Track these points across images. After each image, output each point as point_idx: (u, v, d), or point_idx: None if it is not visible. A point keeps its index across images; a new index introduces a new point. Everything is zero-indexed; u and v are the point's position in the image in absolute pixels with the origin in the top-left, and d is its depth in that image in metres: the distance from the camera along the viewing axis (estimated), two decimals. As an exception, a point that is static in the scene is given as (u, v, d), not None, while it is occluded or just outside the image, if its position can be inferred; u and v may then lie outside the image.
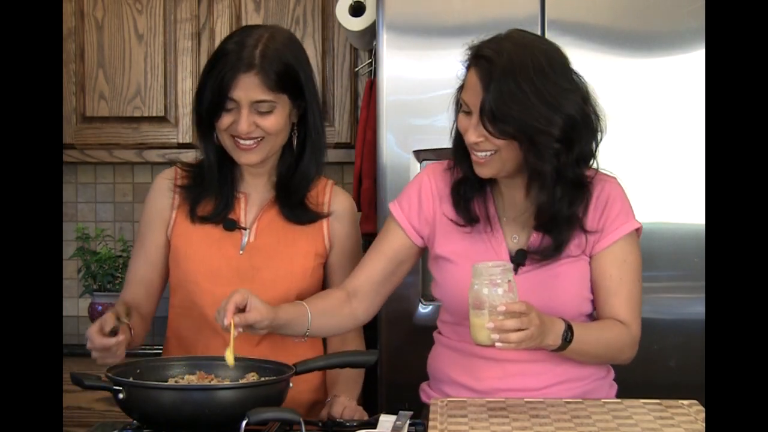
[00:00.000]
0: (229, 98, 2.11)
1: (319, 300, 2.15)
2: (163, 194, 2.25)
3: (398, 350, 2.94)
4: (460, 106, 2.06)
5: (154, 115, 3.56)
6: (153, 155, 3.58)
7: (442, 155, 2.93)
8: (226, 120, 2.13)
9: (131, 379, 1.88)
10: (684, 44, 2.87)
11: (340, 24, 3.29)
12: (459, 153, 2.10)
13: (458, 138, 2.09)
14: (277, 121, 2.14)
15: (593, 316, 2.15)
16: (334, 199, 2.26)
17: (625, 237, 2.10)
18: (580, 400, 2.05)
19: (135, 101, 3.56)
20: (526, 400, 2.03)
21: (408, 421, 1.89)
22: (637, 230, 2.13)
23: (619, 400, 2.05)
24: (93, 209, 3.91)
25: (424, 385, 2.27)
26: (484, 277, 1.89)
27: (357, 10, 3.23)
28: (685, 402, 2.03)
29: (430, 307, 2.95)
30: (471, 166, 2.07)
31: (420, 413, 2.09)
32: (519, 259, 2.09)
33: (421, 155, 2.94)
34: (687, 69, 2.85)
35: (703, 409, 1.96)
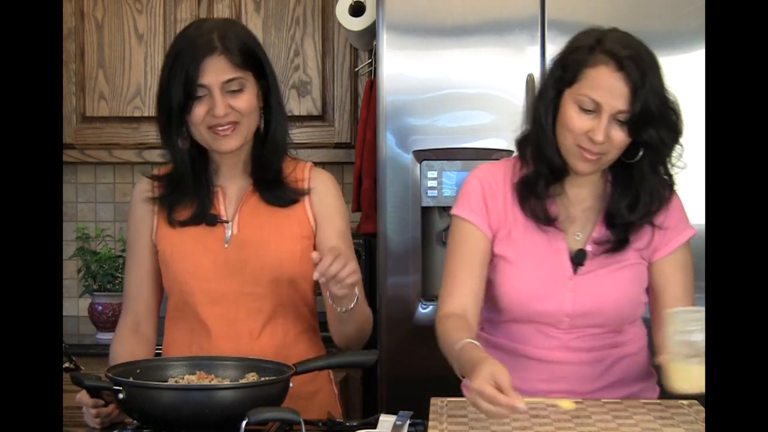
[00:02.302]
0: (198, 85, 2.11)
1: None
2: (143, 202, 2.24)
3: (398, 350, 2.94)
4: (553, 99, 2.03)
5: (154, 115, 3.55)
6: (153, 155, 3.58)
7: (442, 155, 2.95)
8: (199, 111, 2.12)
9: (131, 379, 1.88)
10: (684, 44, 2.87)
11: (340, 24, 3.30)
12: (543, 148, 2.05)
13: (541, 134, 2.05)
14: (249, 99, 2.14)
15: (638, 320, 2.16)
16: (314, 177, 2.24)
17: (686, 242, 2.11)
18: (580, 399, 2.05)
19: (135, 101, 3.56)
20: (525, 400, 2.02)
21: (408, 421, 1.89)
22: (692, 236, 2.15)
23: (619, 400, 2.05)
24: (93, 209, 3.91)
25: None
26: (694, 323, 1.85)
27: (357, 10, 3.23)
28: (685, 402, 2.03)
29: (430, 307, 2.95)
30: (550, 163, 2.04)
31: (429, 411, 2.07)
32: (579, 259, 2.08)
33: (421, 155, 2.94)
34: (687, 69, 2.85)
35: (703, 409, 1.96)
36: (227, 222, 2.19)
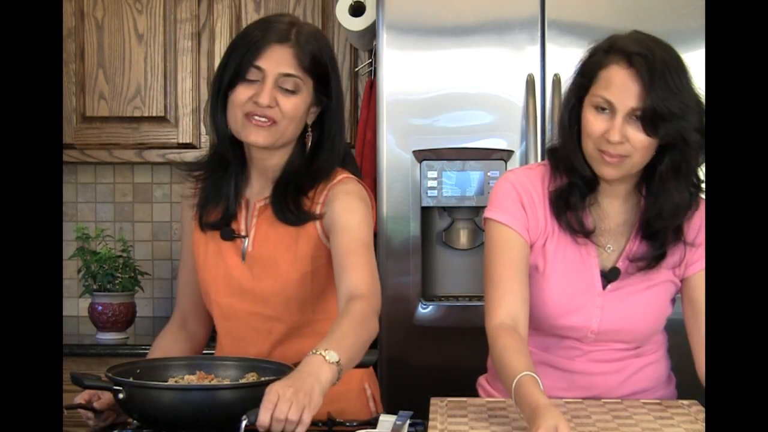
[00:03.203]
0: (254, 66, 2.02)
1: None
2: (188, 202, 2.20)
3: (398, 350, 2.94)
4: (575, 106, 2.00)
5: (154, 115, 3.56)
6: (153, 155, 3.58)
7: (441, 155, 2.95)
8: (244, 93, 2.03)
9: (131, 379, 1.88)
10: (684, 44, 2.85)
11: (340, 24, 3.30)
12: (572, 159, 2.01)
13: (569, 143, 2.01)
14: (297, 104, 2.04)
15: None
16: (330, 199, 2.08)
17: None
18: (580, 399, 2.05)
19: (135, 101, 3.56)
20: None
21: (408, 421, 1.89)
22: None
23: (619, 400, 2.05)
24: (93, 209, 3.91)
25: (481, 380, 2.23)
26: None
27: (357, 10, 3.24)
28: (685, 402, 2.03)
29: (430, 307, 2.95)
30: (583, 173, 2.00)
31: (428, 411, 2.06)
32: (612, 277, 2.05)
33: (421, 155, 2.94)
34: (687, 69, 2.85)
35: (703, 409, 1.96)
36: (245, 237, 2.13)
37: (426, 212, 3.00)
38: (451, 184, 2.94)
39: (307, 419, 1.68)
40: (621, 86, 1.93)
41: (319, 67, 2.07)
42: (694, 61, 2.85)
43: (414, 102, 2.93)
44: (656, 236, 2.03)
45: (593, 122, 1.96)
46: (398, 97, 2.93)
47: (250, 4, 3.53)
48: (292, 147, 2.12)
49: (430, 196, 2.94)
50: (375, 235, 2.95)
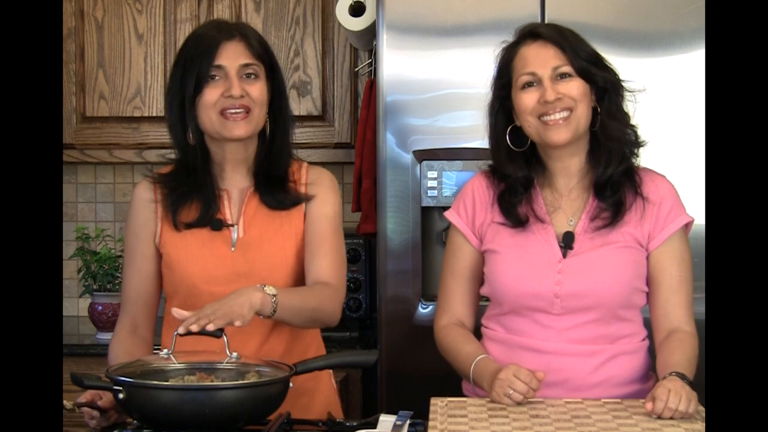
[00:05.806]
0: (215, 66, 2.15)
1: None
2: (145, 206, 2.24)
3: (398, 350, 2.94)
4: (500, 103, 2.19)
5: (154, 115, 3.56)
6: (153, 155, 3.58)
7: (442, 155, 2.95)
8: (213, 93, 2.15)
9: (131, 379, 1.88)
10: (684, 44, 2.87)
11: (340, 24, 3.30)
12: (504, 156, 2.18)
13: (500, 141, 2.18)
14: (262, 88, 2.18)
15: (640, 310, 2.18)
16: (312, 181, 2.25)
17: (681, 230, 2.14)
18: (580, 400, 2.05)
19: (135, 101, 3.56)
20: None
21: (408, 421, 1.89)
22: (688, 225, 2.16)
23: (618, 400, 2.05)
24: (93, 209, 3.91)
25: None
26: None
27: (357, 10, 3.24)
28: (685, 402, 2.03)
29: (430, 307, 2.95)
30: (516, 167, 2.16)
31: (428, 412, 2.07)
32: (567, 242, 2.12)
33: (420, 155, 2.94)
34: (687, 69, 2.85)
35: (703, 409, 1.96)
36: (233, 226, 2.19)
37: (426, 212, 3.00)
38: (451, 184, 2.94)
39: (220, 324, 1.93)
40: (536, 55, 2.12)
41: (267, 54, 2.23)
42: (694, 61, 2.86)
43: (414, 102, 2.93)
44: (606, 189, 2.12)
45: (525, 98, 2.12)
46: (398, 97, 2.93)
47: (250, 4, 3.53)
48: (257, 136, 2.24)
49: (430, 196, 2.94)
50: (375, 235, 2.98)
